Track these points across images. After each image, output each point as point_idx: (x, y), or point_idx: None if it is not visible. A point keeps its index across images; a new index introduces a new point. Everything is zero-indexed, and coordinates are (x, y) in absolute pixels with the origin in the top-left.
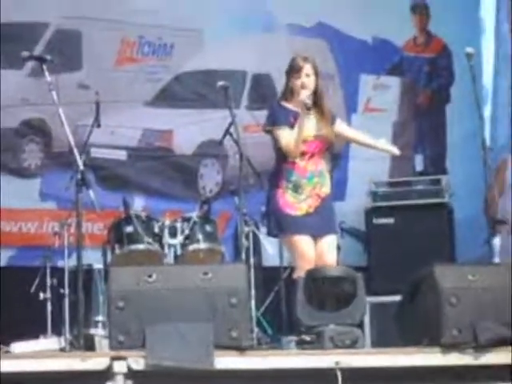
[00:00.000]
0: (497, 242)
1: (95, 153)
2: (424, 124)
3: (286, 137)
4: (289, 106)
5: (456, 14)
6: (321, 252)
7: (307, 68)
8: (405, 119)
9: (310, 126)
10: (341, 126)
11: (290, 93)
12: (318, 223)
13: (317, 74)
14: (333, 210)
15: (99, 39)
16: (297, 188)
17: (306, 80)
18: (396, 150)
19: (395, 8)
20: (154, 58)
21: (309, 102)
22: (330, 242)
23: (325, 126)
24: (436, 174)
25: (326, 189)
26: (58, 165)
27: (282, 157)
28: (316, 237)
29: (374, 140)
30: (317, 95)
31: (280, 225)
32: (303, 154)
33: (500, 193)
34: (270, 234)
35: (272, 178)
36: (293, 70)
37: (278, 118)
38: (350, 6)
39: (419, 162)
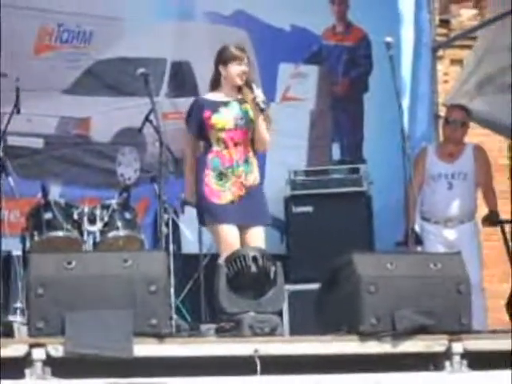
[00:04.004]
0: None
1: (11, 141)
2: (341, 113)
3: (185, 148)
4: (212, 96)
5: (375, 4)
6: (246, 243)
7: (246, 58)
8: (322, 108)
9: (228, 114)
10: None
11: (219, 81)
12: (243, 213)
13: (250, 64)
14: (262, 201)
15: (17, 27)
16: (221, 177)
17: (246, 69)
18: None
19: None
20: (73, 46)
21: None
22: (255, 233)
23: (253, 113)
24: (353, 163)
25: (252, 177)
26: None
27: (207, 146)
28: (241, 227)
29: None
30: (247, 83)
31: (205, 213)
32: (225, 142)
33: (421, 181)
34: (199, 222)
35: (198, 167)
36: (232, 59)
37: (188, 121)
38: None
39: (336, 151)
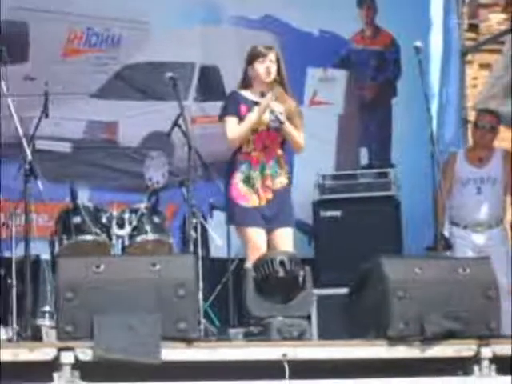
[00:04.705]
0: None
1: (40, 145)
2: (370, 117)
3: (231, 126)
4: (245, 94)
5: (403, 9)
6: (274, 245)
7: (271, 55)
8: (350, 112)
9: (263, 116)
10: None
11: (249, 80)
12: (271, 216)
13: (279, 62)
14: (289, 203)
15: (46, 31)
16: (248, 179)
17: (271, 66)
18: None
19: (341, 1)
20: (102, 50)
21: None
22: (284, 235)
23: (287, 116)
24: (381, 168)
25: (279, 181)
26: (3, 156)
27: (236, 147)
28: (269, 229)
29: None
30: (281, 83)
31: (232, 216)
32: (255, 144)
33: (450, 186)
34: (226, 222)
35: (227, 169)
36: (257, 56)
37: (226, 107)
38: None
39: (364, 156)
